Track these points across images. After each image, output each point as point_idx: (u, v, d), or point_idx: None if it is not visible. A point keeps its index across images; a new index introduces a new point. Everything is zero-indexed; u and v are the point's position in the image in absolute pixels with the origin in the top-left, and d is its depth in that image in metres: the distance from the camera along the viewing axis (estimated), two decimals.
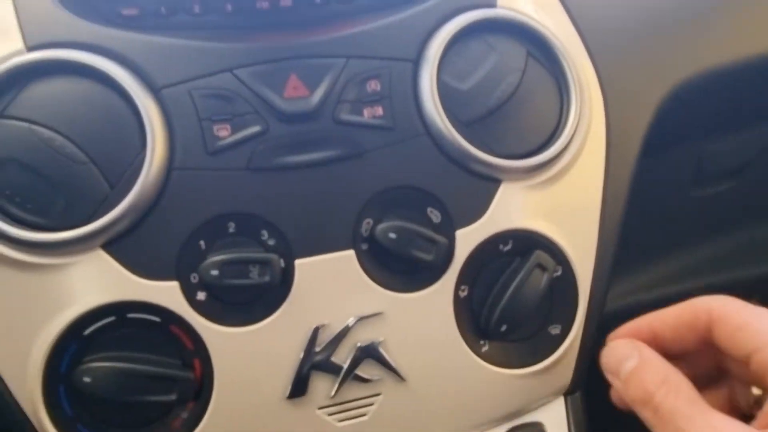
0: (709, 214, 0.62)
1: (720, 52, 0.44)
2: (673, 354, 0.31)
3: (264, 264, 0.32)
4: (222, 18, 0.39)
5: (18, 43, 0.33)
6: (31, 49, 0.33)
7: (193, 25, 0.38)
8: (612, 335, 0.33)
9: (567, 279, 0.37)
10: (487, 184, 0.36)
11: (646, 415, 0.30)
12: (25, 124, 0.31)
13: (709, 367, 0.32)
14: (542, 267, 0.36)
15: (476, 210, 0.36)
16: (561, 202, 0.38)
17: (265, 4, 0.39)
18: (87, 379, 0.31)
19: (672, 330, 0.31)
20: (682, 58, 0.43)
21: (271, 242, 0.33)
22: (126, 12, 0.37)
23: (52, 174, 0.31)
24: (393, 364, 0.34)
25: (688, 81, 0.43)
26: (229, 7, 0.39)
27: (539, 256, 0.36)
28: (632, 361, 0.31)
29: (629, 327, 0.33)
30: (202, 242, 0.33)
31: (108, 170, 0.32)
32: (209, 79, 0.33)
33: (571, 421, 0.40)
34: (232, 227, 0.33)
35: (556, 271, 0.37)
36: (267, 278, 0.32)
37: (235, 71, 0.34)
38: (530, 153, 0.37)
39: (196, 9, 0.38)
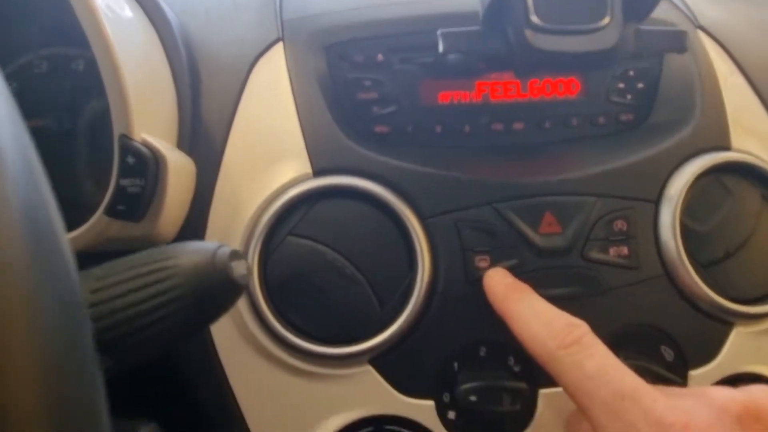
0: None
1: None
2: None
3: (516, 393, 0.34)
4: (460, 138, 0.42)
5: (307, 167, 0.36)
6: (317, 173, 0.36)
7: (434, 143, 0.41)
8: None
9: None
10: (721, 326, 0.37)
11: None
12: (311, 242, 0.35)
13: None
14: None
15: (709, 351, 0.37)
16: None
17: (500, 127, 0.42)
18: None
19: None
20: None
21: (516, 368, 0.35)
22: (378, 129, 0.41)
23: (332, 292, 0.34)
24: None
25: None
26: (467, 128, 0.42)
27: None
28: None
29: None
30: (455, 363, 0.35)
31: (379, 290, 0.35)
32: (472, 211, 0.36)
33: None
34: (483, 351, 0.35)
35: None
36: (518, 407, 0.34)
37: (495, 205, 0.36)
38: (763, 297, 0.37)
39: (438, 129, 0.41)
